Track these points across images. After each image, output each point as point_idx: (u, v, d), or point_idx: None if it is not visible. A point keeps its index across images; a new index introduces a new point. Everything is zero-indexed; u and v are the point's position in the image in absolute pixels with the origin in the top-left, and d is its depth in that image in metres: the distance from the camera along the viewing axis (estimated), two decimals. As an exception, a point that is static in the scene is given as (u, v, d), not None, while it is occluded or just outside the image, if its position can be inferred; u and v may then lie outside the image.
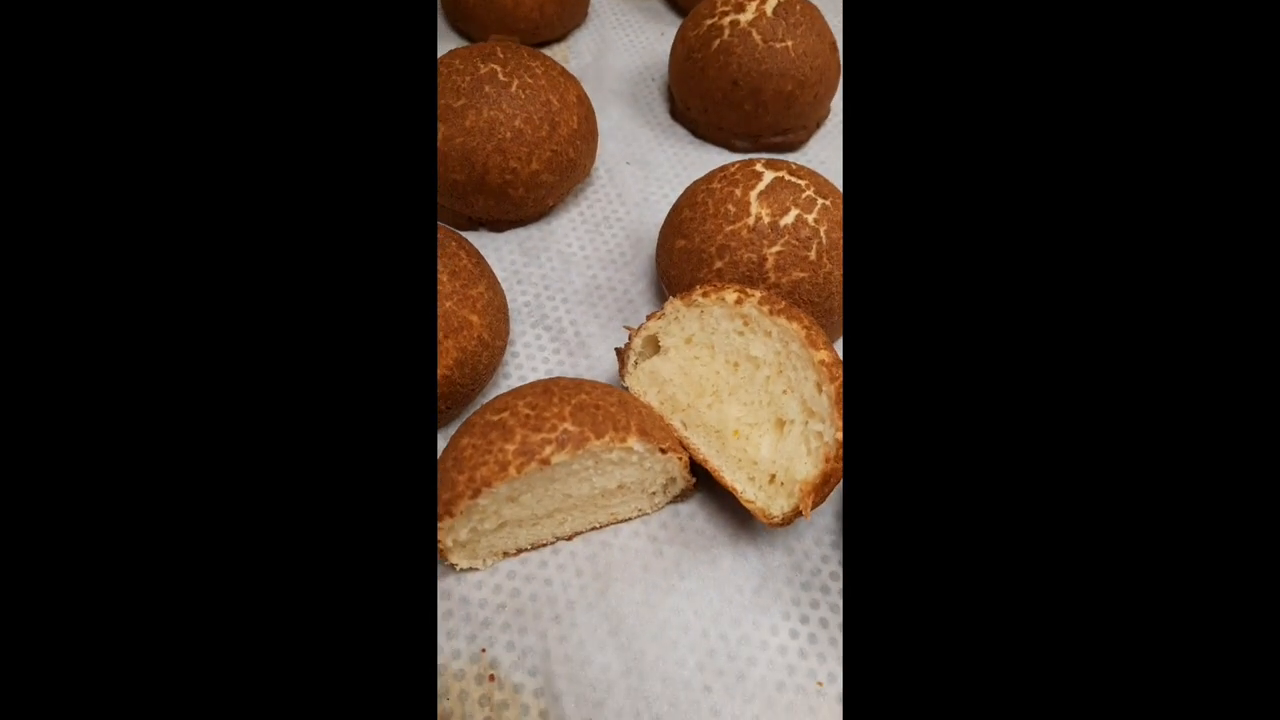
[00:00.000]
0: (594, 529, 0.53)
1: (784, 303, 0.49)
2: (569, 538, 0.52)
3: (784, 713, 0.46)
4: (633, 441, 0.46)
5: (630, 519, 0.53)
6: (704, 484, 0.54)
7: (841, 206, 0.59)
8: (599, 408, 0.46)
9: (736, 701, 0.47)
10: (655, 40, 0.94)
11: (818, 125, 0.83)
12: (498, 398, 0.49)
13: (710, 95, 0.77)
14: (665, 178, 0.78)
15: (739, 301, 0.50)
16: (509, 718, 0.46)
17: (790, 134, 0.80)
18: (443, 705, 0.46)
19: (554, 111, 0.66)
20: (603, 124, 0.81)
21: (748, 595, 0.51)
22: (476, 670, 0.47)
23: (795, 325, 0.47)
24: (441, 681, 0.47)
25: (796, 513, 0.46)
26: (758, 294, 0.49)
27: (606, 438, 0.44)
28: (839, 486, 0.54)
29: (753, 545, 0.53)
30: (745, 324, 0.50)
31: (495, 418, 0.46)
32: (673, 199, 0.75)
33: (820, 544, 0.53)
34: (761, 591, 0.51)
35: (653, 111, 0.85)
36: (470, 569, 0.51)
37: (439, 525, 0.45)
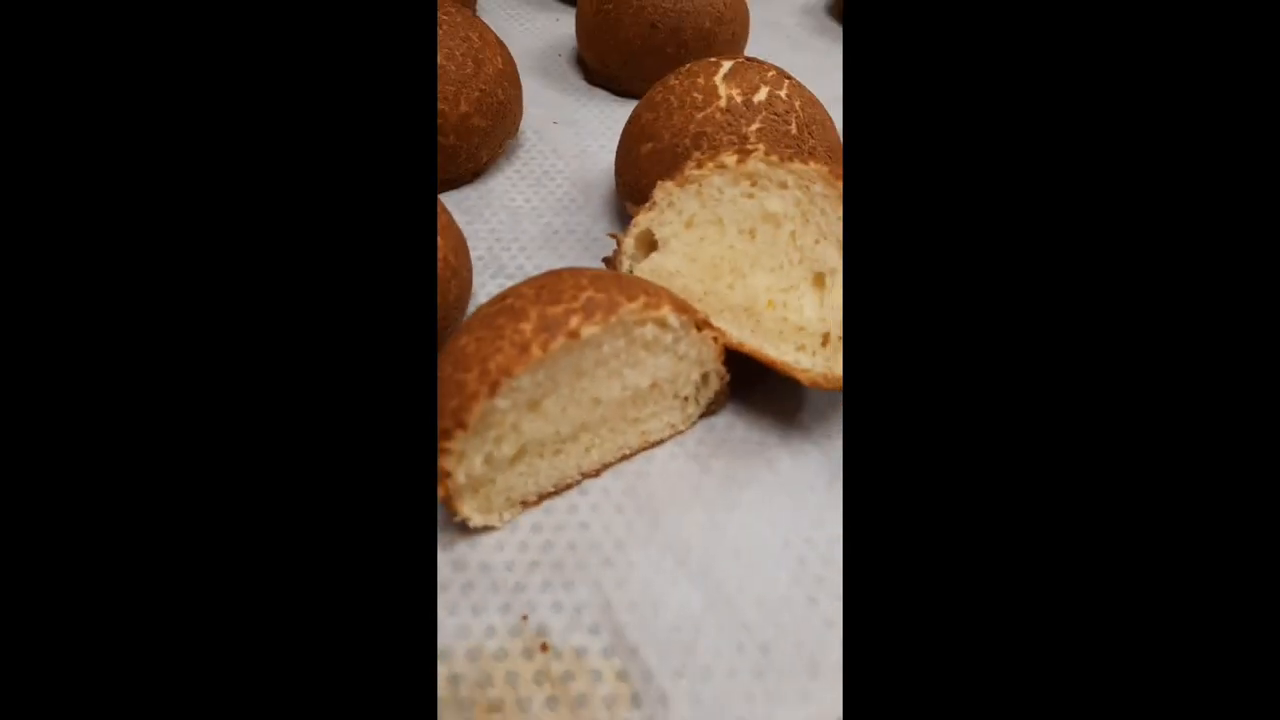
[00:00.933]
0: (623, 457, 0.43)
1: (789, 149, 0.44)
2: (596, 473, 0.43)
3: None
4: (667, 312, 0.38)
5: (663, 440, 0.45)
6: (733, 394, 0.47)
7: (803, 87, 0.56)
8: (619, 278, 0.38)
9: (850, 606, 0.38)
10: (552, 25, 0.91)
11: (736, 75, 0.81)
12: (490, 299, 0.40)
13: (629, 45, 0.74)
14: (597, 132, 0.73)
15: (741, 160, 0.44)
16: (579, 690, 0.34)
17: (713, 81, 0.78)
18: (489, 695, 0.34)
19: (477, 49, 0.60)
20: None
21: (821, 492, 0.43)
22: (522, 644, 0.36)
23: (813, 165, 0.42)
24: (479, 669, 0.35)
25: (866, 364, 0.40)
26: (760, 146, 0.44)
27: (640, 301, 0.36)
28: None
29: (809, 440, 0.45)
30: (753, 183, 0.44)
31: (496, 307, 0.36)
32: (611, 149, 0.70)
33: (879, 427, 0.46)
34: (835, 485, 0.43)
35: (568, 80, 0.81)
36: (486, 528, 0.40)
37: (446, 450, 0.34)
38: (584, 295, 0.35)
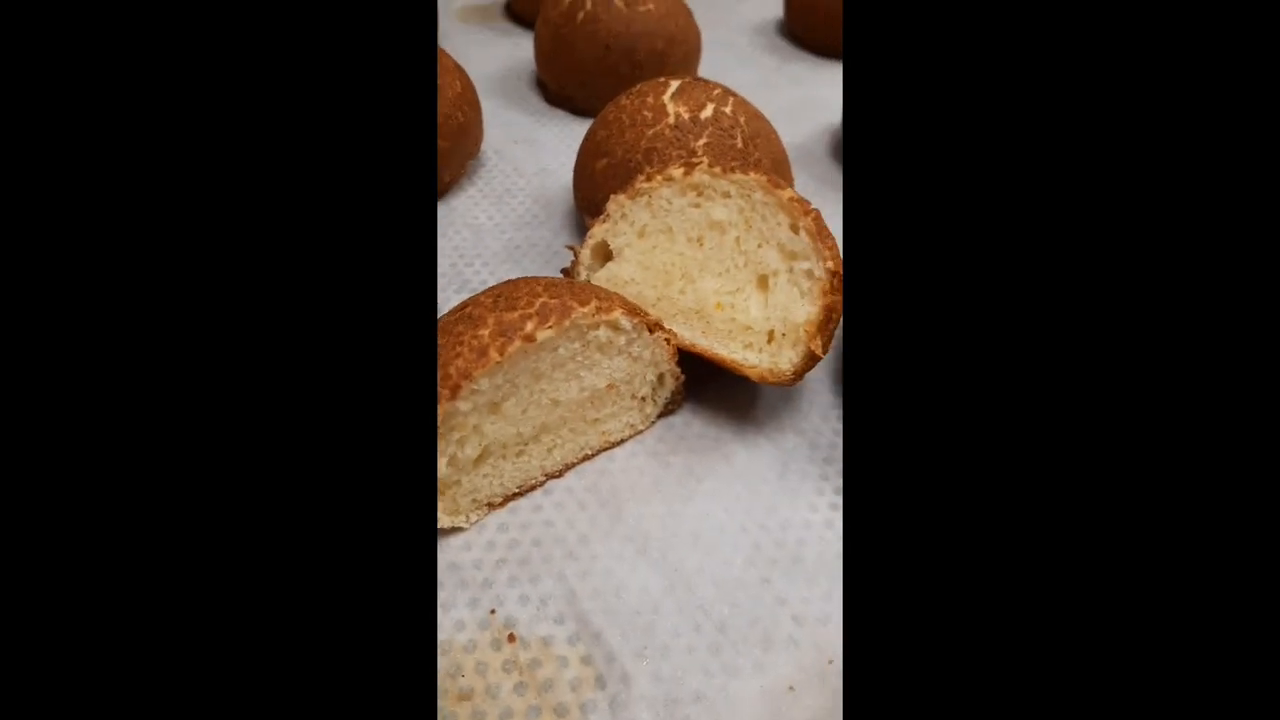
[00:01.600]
0: (585, 458, 0.45)
1: (734, 161, 0.47)
2: (559, 473, 0.45)
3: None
4: (619, 315, 0.40)
5: (623, 440, 0.47)
6: (689, 394, 0.49)
7: (748, 103, 0.59)
8: (573, 285, 0.40)
9: (800, 584, 0.40)
10: (511, 49, 0.94)
11: (689, 93, 0.85)
12: (450, 310, 0.42)
13: (585, 67, 0.77)
14: (557, 151, 0.76)
15: (687, 172, 0.47)
16: (546, 676, 0.36)
17: (667, 99, 0.81)
18: (459, 684, 0.36)
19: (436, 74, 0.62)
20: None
21: (773, 482, 0.45)
22: (490, 636, 0.38)
23: (753, 175, 0.45)
24: (449, 660, 0.37)
25: (809, 359, 0.42)
26: (705, 159, 0.47)
27: (591, 305, 0.38)
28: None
29: (761, 434, 0.48)
30: (699, 193, 0.47)
31: (455, 316, 0.38)
32: (570, 166, 0.73)
33: (828, 419, 0.49)
34: (786, 475, 0.46)
35: (528, 102, 0.84)
36: (453, 529, 0.41)
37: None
38: (539, 301, 0.38)
